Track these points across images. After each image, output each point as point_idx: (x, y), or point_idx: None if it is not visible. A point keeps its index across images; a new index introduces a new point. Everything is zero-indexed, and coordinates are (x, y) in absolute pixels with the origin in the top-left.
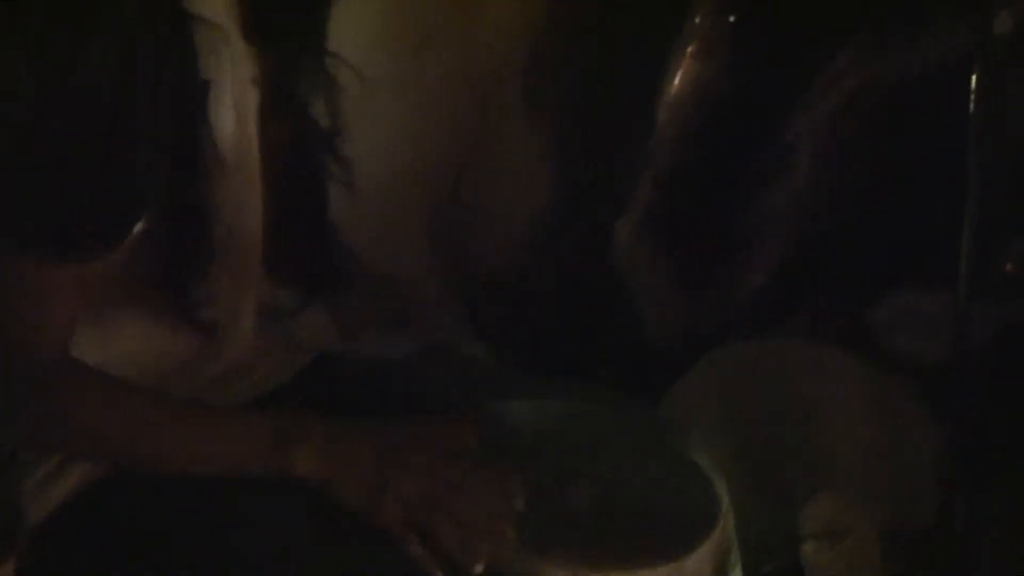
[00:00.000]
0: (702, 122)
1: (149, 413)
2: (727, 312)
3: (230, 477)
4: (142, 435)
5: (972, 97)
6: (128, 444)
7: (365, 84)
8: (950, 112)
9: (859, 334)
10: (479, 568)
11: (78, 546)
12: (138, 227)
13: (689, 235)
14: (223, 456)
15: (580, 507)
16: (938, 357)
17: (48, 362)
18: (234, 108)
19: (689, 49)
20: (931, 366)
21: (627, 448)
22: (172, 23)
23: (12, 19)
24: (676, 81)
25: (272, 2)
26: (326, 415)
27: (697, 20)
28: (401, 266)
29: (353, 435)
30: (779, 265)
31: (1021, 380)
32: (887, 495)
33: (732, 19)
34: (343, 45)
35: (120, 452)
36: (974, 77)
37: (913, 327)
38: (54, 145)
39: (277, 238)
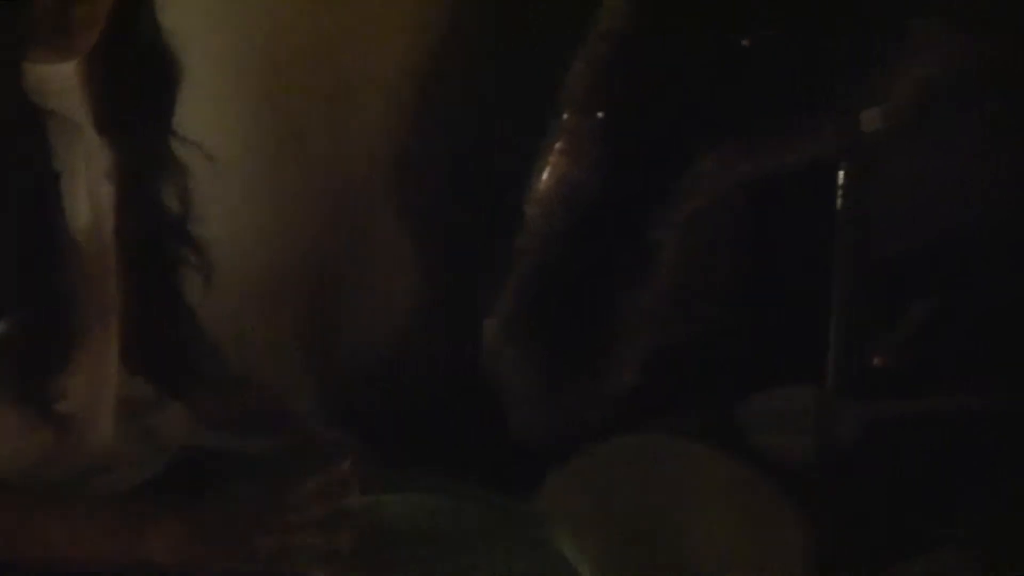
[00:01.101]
0: (569, 219)
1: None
2: (596, 409)
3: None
4: None
5: (839, 193)
6: None
7: (236, 178)
8: (817, 209)
9: (726, 430)
10: None
11: None
12: None
13: (556, 333)
14: (78, 544)
15: None
16: (805, 453)
17: None
18: (89, 200)
19: (557, 146)
20: (798, 462)
21: (497, 542)
22: (25, 117)
23: None
24: (544, 178)
25: (125, 94)
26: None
27: (565, 117)
28: (266, 362)
29: (206, 513)
30: (647, 362)
31: (890, 476)
32: None
33: (600, 116)
34: (206, 136)
35: None
36: (841, 174)
37: (780, 423)
38: None
39: (134, 330)
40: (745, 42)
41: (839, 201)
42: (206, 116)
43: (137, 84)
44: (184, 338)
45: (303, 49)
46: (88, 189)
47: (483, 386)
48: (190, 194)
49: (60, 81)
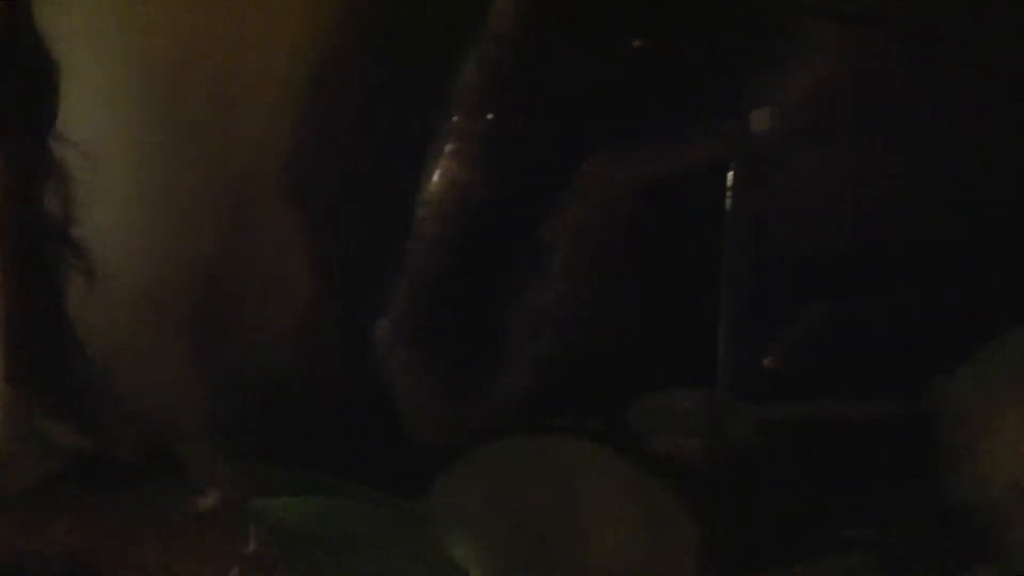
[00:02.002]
0: (460, 222)
1: None
2: (489, 411)
3: None
4: None
5: (729, 195)
6: None
7: (123, 179)
8: (708, 210)
9: (620, 432)
10: None
11: None
12: None
13: (448, 336)
14: None
15: None
16: (697, 455)
17: None
18: None
19: (447, 148)
20: (691, 464)
21: (389, 544)
22: None
23: None
24: (434, 180)
25: (3, 98)
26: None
27: (455, 119)
28: (156, 369)
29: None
30: (540, 365)
31: (783, 478)
32: None
33: (490, 118)
34: (94, 138)
35: None
36: (730, 175)
37: (673, 425)
38: None
39: (18, 341)
40: (635, 44)
41: (729, 202)
42: (94, 118)
43: (16, 88)
44: (71, 350)
45: (191, 50)
46: None
47: (376, 388)
48: (72, 197)
49: None
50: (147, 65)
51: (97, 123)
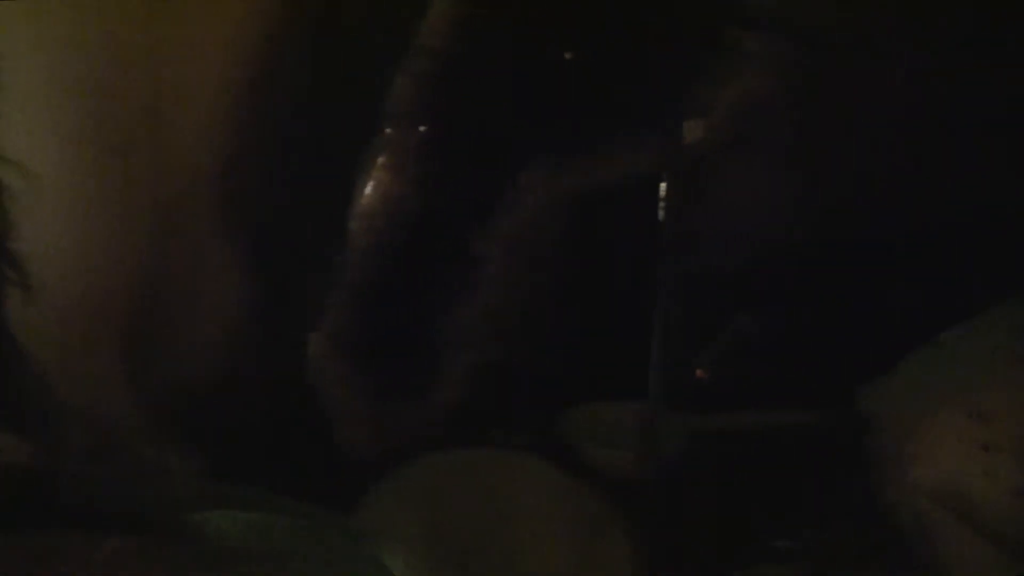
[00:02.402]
0: (393, 234)
1: None
2: (422, 423)
3: None
4: None
5: (661, 206)
6: None
7: (58, 194)
8: (640, 222)
9: (553, 443)
10: None
11: None
12: None
13: (381, 348)
14: None
15: None
16: (631, 466)
17: None
18: None
19: (380, 160)
20: (624, 475)
21: (322, 557)
22: None
23: None
24: (367, 193)
25: None
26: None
27: (388, 132)
28: (94, 381)
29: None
30: (472, 377)
31: (716, 488)
32: None
33: (423, 131)
34: (29, 153)
35: None
36: (664, 186)
37: (606, 436)
38: None
39: None
40: (568, 56)
41: (661, 214)
42: (28, 133)
43: None
44: (7, 362)
45: (124, 64)
46: None
47: (310, 401)
48: (7, 211)
49: None
50: (80, 80)
51: (32, 138)
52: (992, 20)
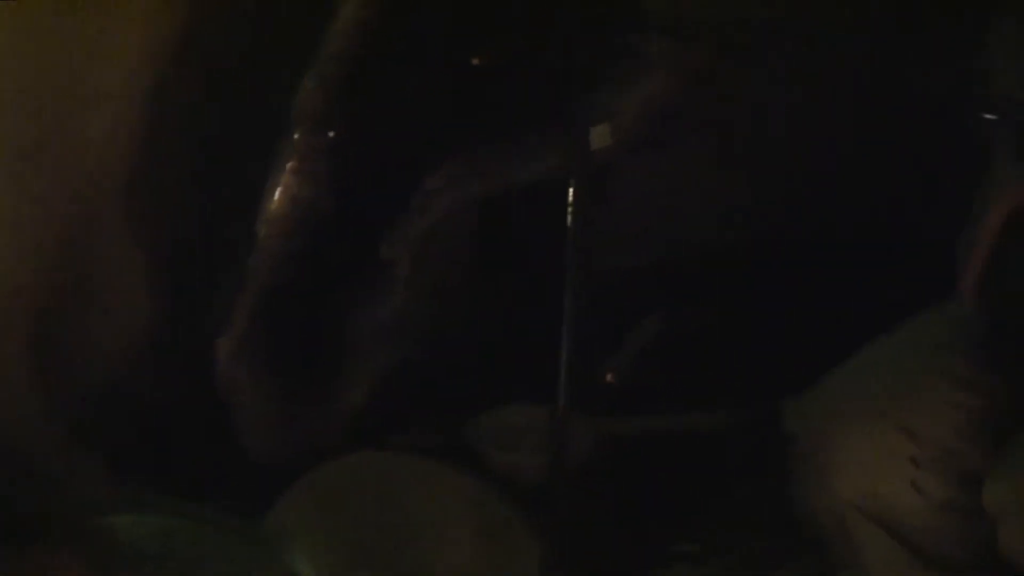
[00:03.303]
0: (301, 239)
1: None
2: (330, 428)
3: None
4: None
5: (569, 210)
6: None
7: None
8: (548, 225)
9: (460, 447)
10: None
11: None
12: None
13: (289, 353)
14: None
15: None
16: (538, 470)
17: None
18: None
19: (289, 165)
20: (532, 479)
21: (231, 563)
22: None
23: None
24: (276, 197)
25: None
26: None
27: (296, 136)
28: (2, 383)
29: None
30: (380, 381)
31: (624, 492)
32: None
33: (331, 135)
34: None
35: None
36: (571, 191)
37: (513, 440)
38: None
39: None
40: (475, 61)
41: (569, 218)
42: None
43: None
44: None
45: (31, 69)
46: None
47: (218, 406)
48: None
49: None
50: None
51: None
52: (902, 18)
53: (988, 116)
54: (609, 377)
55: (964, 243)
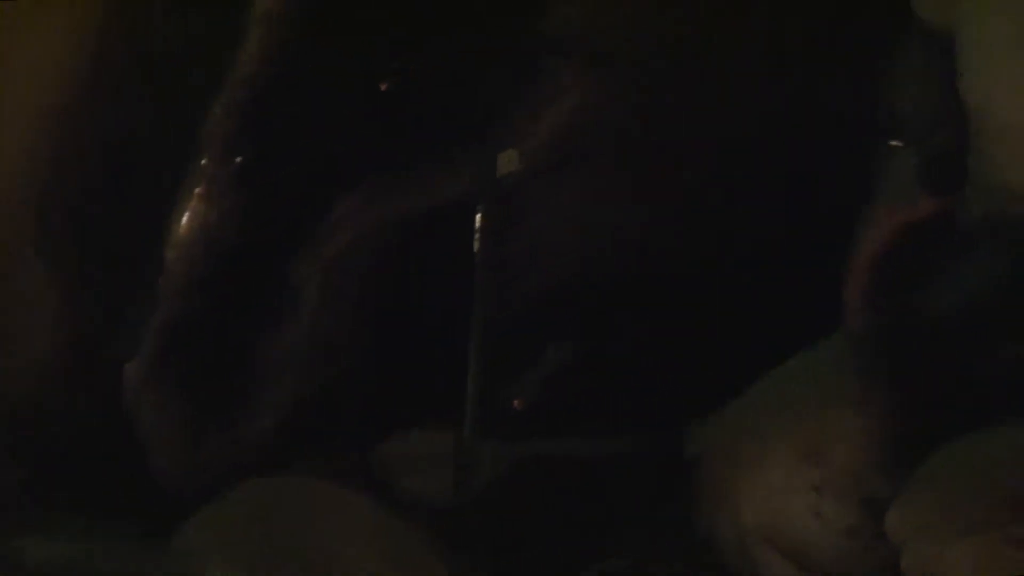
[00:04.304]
0: (210, 263)
1: None
2: (238, 453)
3: None
4: None
5: (477, 235)
6: None
7: None
8: (457, 249)
9: (370, 472)
10: None
11: None
12: None
13: (198, 377)
14: None
15: None
16: (446, 495)
17: None
18: None
19: (197, 190)
20: (440, 504)
21: None
22: None
23: None
24: (184, 222)
25: None
26: None
27: (204, 161)
28: None
29: None
30: (289, 406)
31: (532, 517)
32: None
33: (239, 160)
34: None
35: None
36: (479, 215)
37: (422, 464)
38: None
39: None
40: (384, 86)
41: (477, 243)
42: None
43: None
44: None
45: None
46: None
47: (128, 430)
48: None
49: None
50: None
51: None
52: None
53: (892, 143)
54: (516, 403)
55: (855, 264)
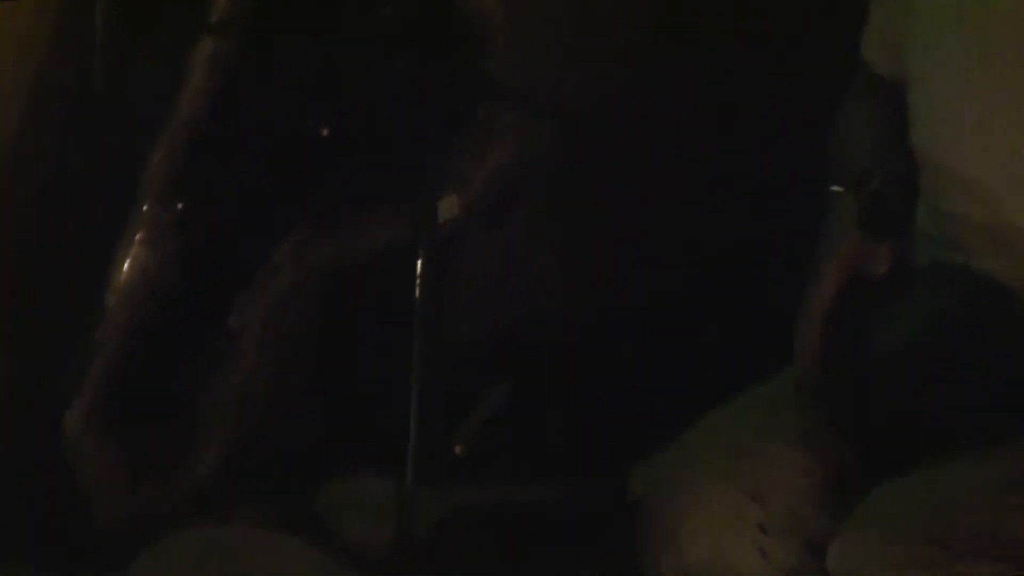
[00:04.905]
0: (150, 309)
1: None
2: (177, 499)
3: None
4: None
5: (417, 282)
6: None
7: None
8: (396, 295)
9: (307, 519)
10: None
11: None
12: None
13: (137, 424)
14: None
15: None
16: (386, 540)
17: None
18: None
19: (137, 236)
20: (379, 551)
21: None
22: None
23: None
24: (125, 268)
25: None
26: None
27: (145, 208)
28: None
29: None
30: (228, 452)
31: (473, 563)
32: None
33: (179, 206)
34: None
35: None
36: (419, 263)
37: (362, 511)
38: None
39: None
40: (323, 132)
41: (417, 289)
42: None
43: None
44: None
45: None
46: None
47: (67, 476)
48: None
49: None
50: None
51: None
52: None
53: (835, 188)
54: (457, 448)
55: (801, 310)
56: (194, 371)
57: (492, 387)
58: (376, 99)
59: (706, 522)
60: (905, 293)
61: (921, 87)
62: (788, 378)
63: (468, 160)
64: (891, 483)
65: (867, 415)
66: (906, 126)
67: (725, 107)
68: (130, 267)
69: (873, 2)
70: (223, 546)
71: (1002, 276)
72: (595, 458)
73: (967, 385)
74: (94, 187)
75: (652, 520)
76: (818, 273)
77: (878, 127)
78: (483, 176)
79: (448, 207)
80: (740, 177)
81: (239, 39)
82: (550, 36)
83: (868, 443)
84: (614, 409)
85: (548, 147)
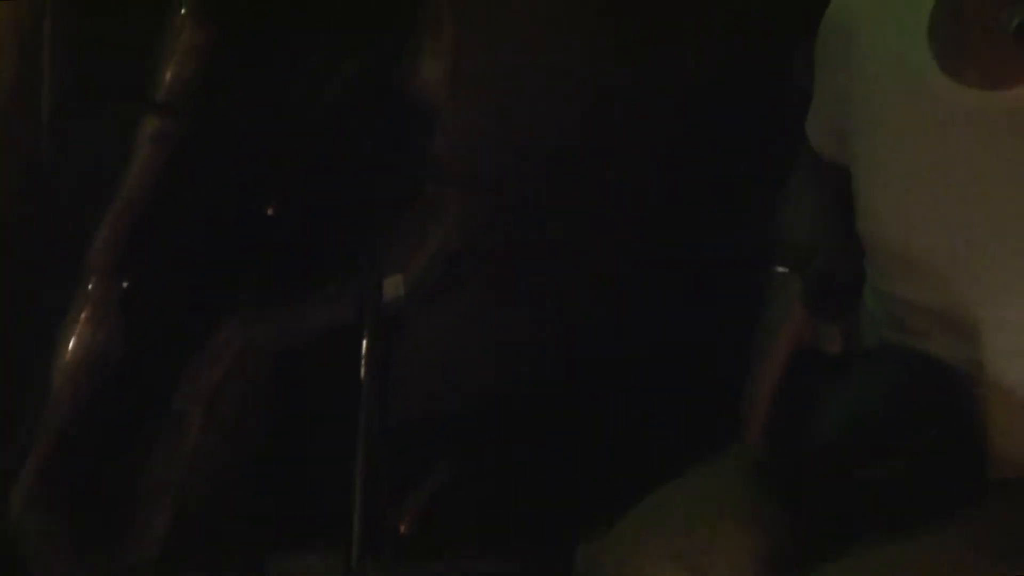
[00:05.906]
0: (96, 386)
1: None
2: (124, 571)
3: None
4: None
5: (362, 360)
6: None
7: None
8: (341, 372)
9: None
10: None
11: None
12: None
13: (80, 501)
14: None
15: None
16: None
17: None
18: None
19: (82, 315)
20: None
21: None
22: None
23: None
24: (70, 347)
25: None
26: None
27: (90, 286)
28: None
29: None
30: (176, 524)
31: None
32: None
33: (124, 285)
34: None
35: None
36: (364, 342)
37: None
38: None
39: None
40: (269, 211)
41: (362, 367)
42: None
43: None
44: None
45: None
46: None
47: (13, 553)
48: None
49: None
50: None
51: None
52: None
53: (780, 269)
54: (402, 527)
55: (747, 387)
56: (139, 447)
57: (437, 465)
58: (321, 179)
59: None
60: (851, 372)
61: (865, 172)
62: (735, 454)
63: (412, 240)
64: (835, 562)
65: (810, 491)
66: (851, 209)
67: (664, 196)
68: (76, 345)
69: (817, 88)
70: None
71: (947, 357)
72: (540, 535)
73: (910, 464)
74: (43, 265)
75: None
76: (762, 351)
77: (823, 210)
78: (427, 255)
79: (393, 286)
80: (685, 258)
81: (184, 117)
82: (493, 118)
83: (811, 520)
84: (560, 485)
85: (491, 227)
